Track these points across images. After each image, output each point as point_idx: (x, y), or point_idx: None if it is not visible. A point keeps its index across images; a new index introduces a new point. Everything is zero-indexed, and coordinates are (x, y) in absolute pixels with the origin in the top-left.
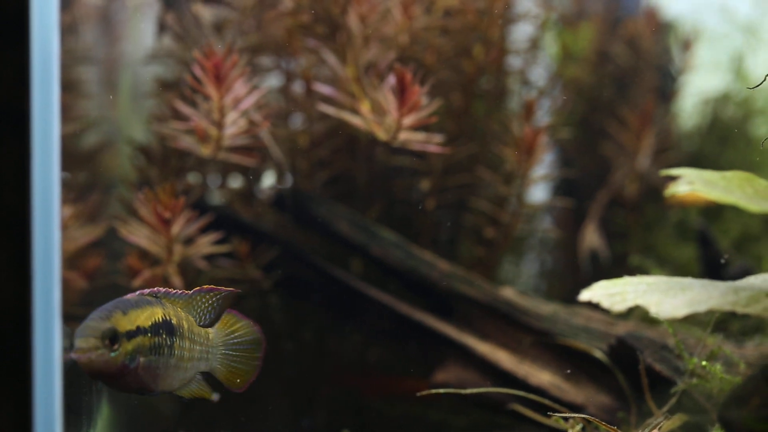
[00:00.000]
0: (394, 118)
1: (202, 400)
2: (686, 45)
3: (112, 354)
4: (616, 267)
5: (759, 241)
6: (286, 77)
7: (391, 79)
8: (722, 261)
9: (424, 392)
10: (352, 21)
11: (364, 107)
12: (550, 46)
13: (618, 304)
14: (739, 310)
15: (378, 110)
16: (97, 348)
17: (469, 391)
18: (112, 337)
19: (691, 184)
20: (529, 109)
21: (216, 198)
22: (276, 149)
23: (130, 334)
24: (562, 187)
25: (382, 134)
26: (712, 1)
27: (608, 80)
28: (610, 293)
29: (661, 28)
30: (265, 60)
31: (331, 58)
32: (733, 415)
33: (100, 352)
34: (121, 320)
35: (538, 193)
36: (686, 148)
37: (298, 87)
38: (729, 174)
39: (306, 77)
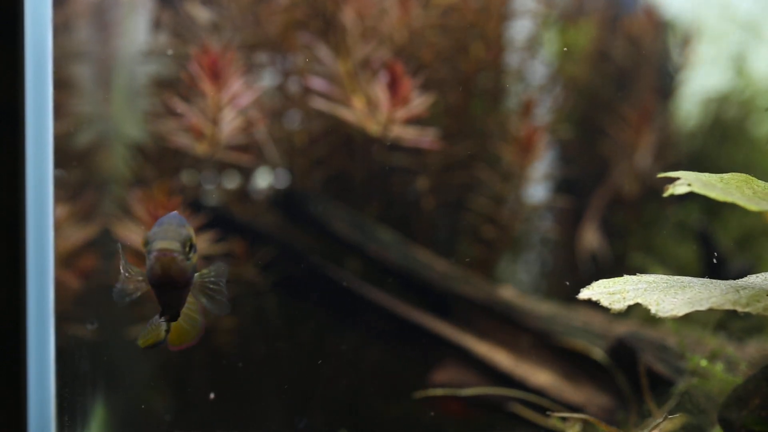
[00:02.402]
0: (385, 111)
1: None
2: (686, 42)
3: (188, 261)
4: (616, 266)
5: (760, 240)
6: (282, 74)
7: (384, 74)
8: (714, 260)
9: (422, 392)
10: (348, 16)
11: (358, 102)
12: (550, 43)
13: (617, 303)
14: (740, 309)
15: (371, 105)
16: (179, 253)
17: (467, 391)
18: (190, 246)
19: (688, 186)
20: (527, 107)
21: (212, 197)
22: (272, 148)
23: (195, 248)
24: (563, 186)
25: (374, 128)
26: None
27: (608, 78)
28: (610, 292)
29: (661, 26)
30: (262, 56)
31: (325, 54)
32: (733, 416)
33: (181, 257)
34: (191, 231)
35: (539, 192)
36: (687, 147)
37: (294, 84)
38: (727, 176)
39: (301, 73)
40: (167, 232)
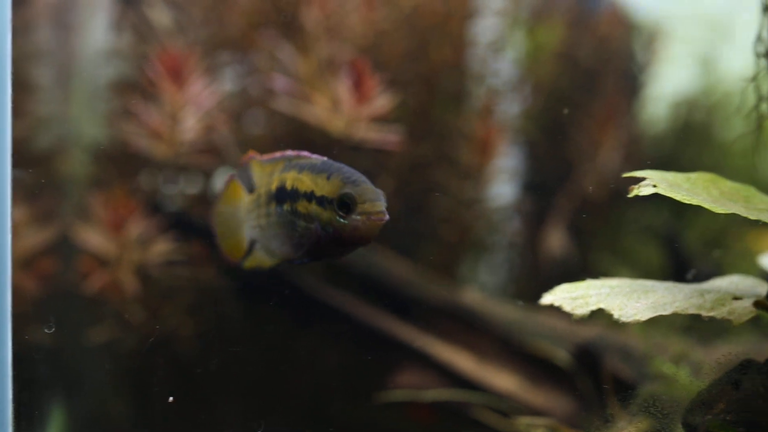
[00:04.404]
0: (349, 110)
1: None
2: (652, 43)
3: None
4: (581, 268)
5: (727, 241)
6: (245, 74)
7: (348, 73)
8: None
9: (383, 395)
10: (311, 15)
11: (321, 100)
12: (517, 43)
13: (580, 308)
14: (704, 313)
15: (335, 103)
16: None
17: (429, 395)
18: None
19: (654, 188)
20: (487, 108)
21: (173, 200)
22: (234, 149)
23: None
24: (530, 187)
25: (337, 126)
26: (683, 1)
27: (575, 79)
28: (573, 297)
29: (628, 26)
30: (223, 57)
31: (288, 53)
32: (698, 420)
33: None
34: None
35: (505, 193)
36: (655, 150)
37: (256, 84)
38: (694, 175)
39: (264, 73)
40: (376, 194)
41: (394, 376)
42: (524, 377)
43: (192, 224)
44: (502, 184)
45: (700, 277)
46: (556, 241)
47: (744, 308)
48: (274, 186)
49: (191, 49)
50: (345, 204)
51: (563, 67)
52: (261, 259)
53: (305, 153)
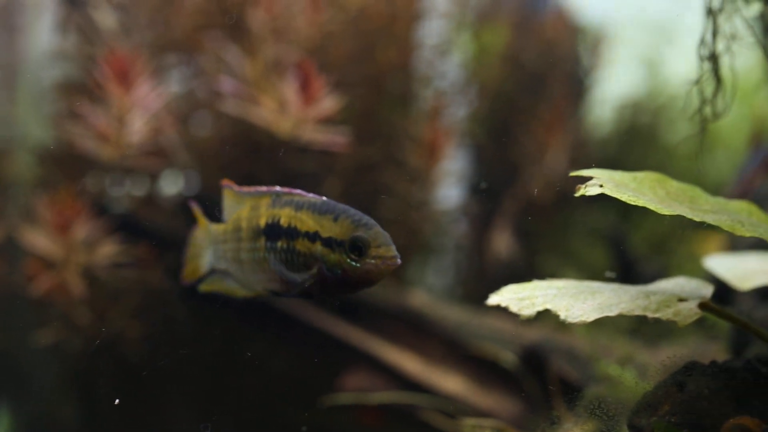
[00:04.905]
0: (296, 111)
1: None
2: (597, 46)
3: None
4: (528, 270)
5: (673, 243)
6: (191, 76)
7: (295, 74)
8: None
9: (331, 399)
10: (257, 17)
11: (268, 102)
12: (464, 46)
13: (526, 309)
14: (650, 315)
15: (282, 104)
16: None
17: (376, 398)
18: None
19: (600, 188)
20: (434, 110)
21: (119, 202)
22: (181, 151)
23: None
24: (477, 190)
25: (284, 128)
26: (627, 4)
27: (521, 81)
28: (519, 297)
29: (574, 29)
30: (170, 58)
31: (234, 55)
32: (643, 422)
33: None
34: None
35: (453, 195)
36: (601, 152)
37: (203, 86)
38: (640, 175)
39: (211, 75)
40: (388, 237)
41: (343, 379)
42: (471, 379)
43: (138, 226)
44: (449, 187)
45: (645, 279)
46: (502, 243)
47: (689, 310)
48: (262, 221)
49: (138, 51)
50: (358, 247)
51: (509, 70)
52: (230, 289)
53: (297, 191)
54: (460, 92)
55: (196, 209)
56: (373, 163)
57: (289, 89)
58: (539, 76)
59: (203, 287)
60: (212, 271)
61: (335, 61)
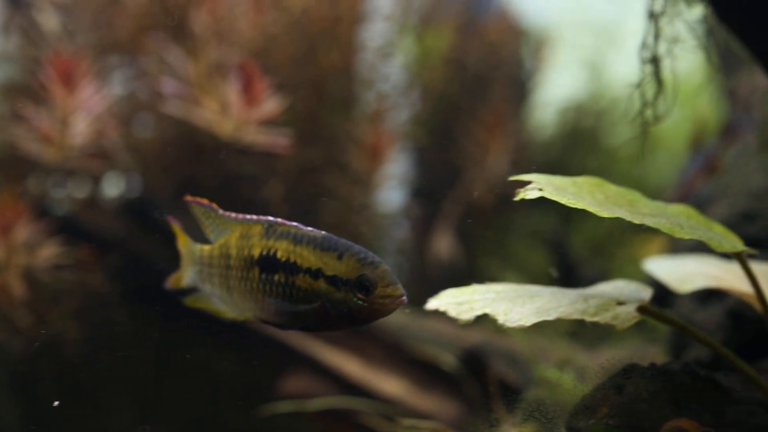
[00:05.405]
0: (238, 112)
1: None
2: (539, 49)
3: None
4: (470, 273)
5: (612, 246)
6: (134, 78)
7: (237, 75)
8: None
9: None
10: (199, 19)
11: (210, 104)
12: (407, 49)
13: (465, 313)
14: (588, 318)
15: (224, 106)
16: None
17: (315, 402)
18: None
19: (540, 191)
20: (377, 113)
21: (61, 205)
22: (124, 153)
23: None
24: (420, 193)
25: (228, 130)
26: (571, 8)
27: (464, 84)
28: (458, 302)
29: (517, 32)
30: (113, 60)
31: (176, 56)
32: (581, 425)
33: None
34: None
35: (395, 198)
36: (543, 155)
37: (146, 87)
38: (580, 179)
39: (154, 76)
40: (393, 275)
41: (283, 382)
42: (412, 382)
43: (80, 228)
44: (391, 190)
45: (585, 282)
46: (444, 246)
47: (627, 313)
48: (255, 252)
49: (81, 53)
50: (365, 287)
51: (452, 72)
52: (218, 310)
53: (296, 224)
54: (402, 95)
55: (176, 225)
56: (315, 165)
57: (232, 91)
58: (482, 78)
59: (190, 303)
60: (195, 288)
61: (278, 63)
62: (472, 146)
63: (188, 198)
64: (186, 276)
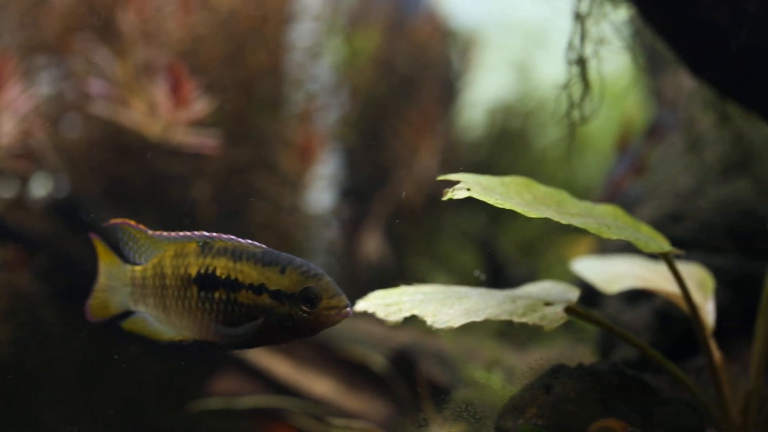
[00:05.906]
0: (167, 113)
1: None
2: (467, 50)
3: None
4: (399, 274)
5: (542, 246)
6: (61, 78)
7: (166, 76)
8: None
9: (200, 404)
10: (127, 19)
11: (138, 104)
12: (335, 49)
13: (393, 315)
14: (516, 319)
15: (152, 107)
16: None
17: (244, 402)
18: None
19: (468, 191)
20: (306, 113)
21: None
22: (51, 154)
23: None
24: (349, 194)
25: (155, 131)
26: (499, 9)
27: (393, 85)
28: (386, 303)
29: (445, 33)
30: (40, 60)
31: (103, 57)
32: (510, 425)
33: None
34: None
35: (325, 199)
36: (472, 156)
37: (73, 88)
38: (508, 179)
39: (80, 77)
40: (337, 287)
41: (212, 383)
42: (341, 382)
43: (7, 229)
44: (321, 191)
45: (514, 282)
46: (373, 246)
47: (555, 314)
48: (192, 270)
49: (8, 52)
50: (309, 299)
51: (381, 73)
52: (155, 332)
53: (232, 237)
54: (331, 95)
55: (99, 243)
56: (243, 166)
57: (160, 91)
58: (411, 79)
59: (128, 327)
60: (131, 312)
61: (206, 63)
62: (401, 147)
63: (116, 220)
64: (115, 300)
